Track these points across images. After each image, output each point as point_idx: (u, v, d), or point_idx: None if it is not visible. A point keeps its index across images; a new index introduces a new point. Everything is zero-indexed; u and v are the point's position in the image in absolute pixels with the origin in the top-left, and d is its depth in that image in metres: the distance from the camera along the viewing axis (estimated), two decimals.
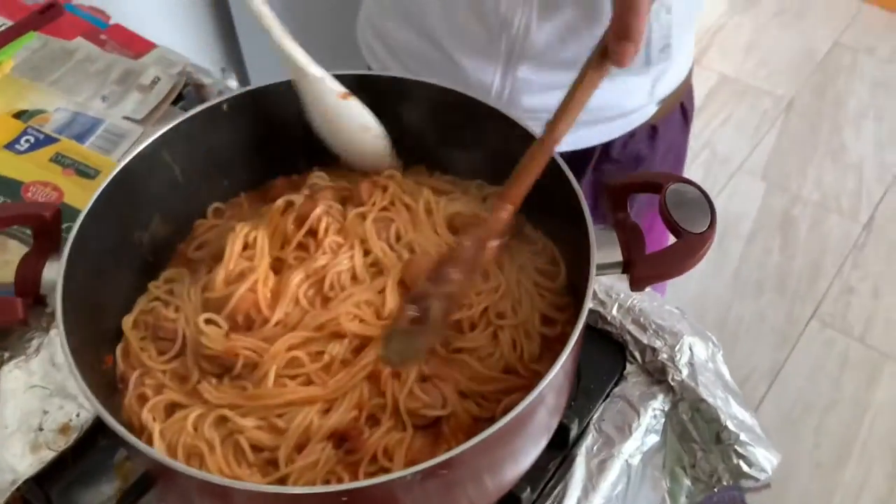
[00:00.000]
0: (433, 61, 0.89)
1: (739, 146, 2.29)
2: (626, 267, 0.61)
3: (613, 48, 0.49)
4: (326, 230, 0.67)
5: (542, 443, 0.64)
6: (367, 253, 0.67)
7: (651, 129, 0.97)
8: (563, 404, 0.64)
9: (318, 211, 0.67)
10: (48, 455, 0.69)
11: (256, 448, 0.60)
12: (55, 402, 0.72)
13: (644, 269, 0.59)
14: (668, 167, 1.04)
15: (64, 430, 0.71)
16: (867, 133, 2.31)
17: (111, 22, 1.03)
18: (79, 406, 0.72)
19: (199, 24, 1.75)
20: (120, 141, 0.88)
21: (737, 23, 2.63)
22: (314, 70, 0.67)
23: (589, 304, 0.56)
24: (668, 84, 0.94)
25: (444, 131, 0.73)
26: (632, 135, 0.96)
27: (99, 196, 0.64)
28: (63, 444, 0.70)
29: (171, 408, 0.64)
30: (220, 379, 0.64)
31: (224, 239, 0.69)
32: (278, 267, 0.68)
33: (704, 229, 0.59)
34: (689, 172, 0.94)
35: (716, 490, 0.75)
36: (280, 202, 0.69)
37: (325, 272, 0.65)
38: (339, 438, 0.60)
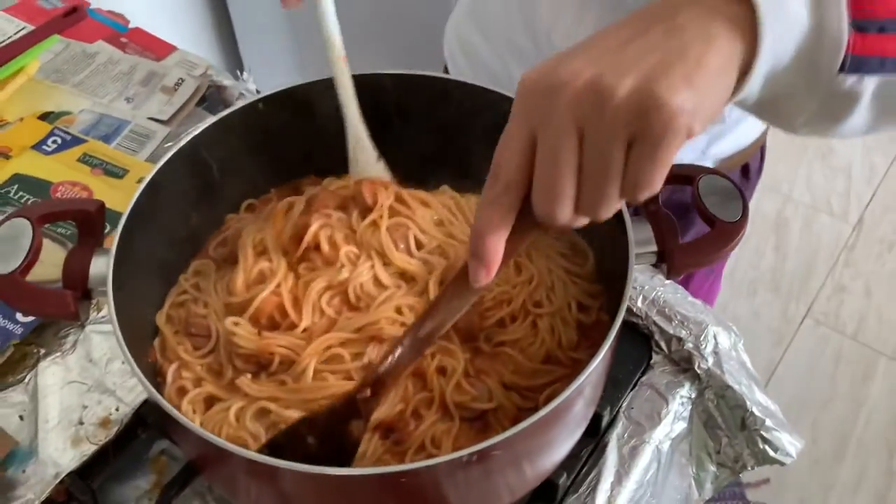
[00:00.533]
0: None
1: None
2: (661, 256, 0.63)
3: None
4: (331, 243, 0.66)
5: (580, 431, 0.66)
6: (387, 264, 0.66)
7: (742, 169, 0.94)
8: (599, 394, 0.66)
9: (313, 228, 0.66)
10: (90, 449, 0.70)
11: None
12: (94, 397, 0.73)
13: (680, 257, 0.61)
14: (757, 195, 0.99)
15: (104, 423, 0.72)
16: None
17: (130, 26, 1.04)
18: (118, 400, 0.73)
19: (197, 26, 1.76)
20: (146, 141, 0.90)
21: None
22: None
23: (629, 295, 0.57)
24: (727, 146, 0.91)
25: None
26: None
27: (142, 191, 0.65)
28: (104, 437, 0.71)
29: (210, 400, 0.65)
30: (256, 375, 0.64)
31: (237, 241, 0.70)
32: (294, 267, 0.68)
33: (738, 218, 0.61)
34: None
35: (740, 475, 0.77)
36: (282, 205, 0.70)
37: (347, 285, 0.65)
38: (386, 429, 0.61)
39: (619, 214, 0.61)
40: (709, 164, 0.92)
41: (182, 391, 0.65)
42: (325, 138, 0.75)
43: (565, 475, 0.68)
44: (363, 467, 0.58)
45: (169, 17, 1.51)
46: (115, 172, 0.87)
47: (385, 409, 0.61)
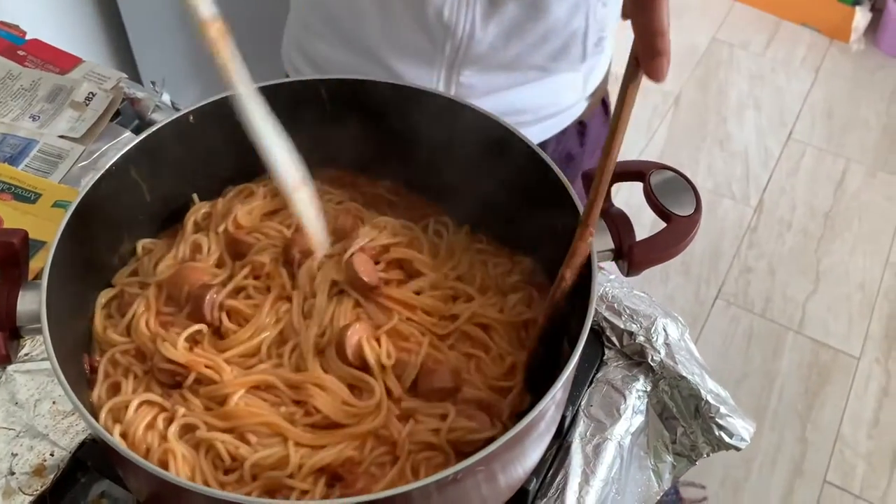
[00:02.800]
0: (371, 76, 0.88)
1: (635, 141, 2.40)
2: (619, 254, 0.63)
3: (648, 66, 0.49)
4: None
5: (549, 436, 0.65)
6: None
7: (579, 126, 1.00)
8: (566, 397, 0.66)
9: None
10: (24, 500, 0.64)
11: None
12: (24, 443, 0.67)
13: (640, 254, 0.62)
14: (594, 163, 1.06)
15: (38, 471, 0.66)
16: (749, 122, 2.47)
17: (27, 37, 0.97)
18: (52, 444, 0.68)
19: (92, 36, 1.67)
20: (59, 162, 0.83)
21: (620, 25, 2.74)
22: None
23: (595, 298, 0.57)
24: (597, 78, 0.98)
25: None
26: (563, 133, 0.99)
27: (69, 219, 0.61)
28: (39, 486, 0.65)
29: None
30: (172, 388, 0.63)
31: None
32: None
33: (692, 212, 0.62)
34: None
35: (696, 463, 0.78)
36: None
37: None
38: (332, 476, 0.58)
39: (576, 217, 0.60)
40: (585, 102, 0.97)
41: (115, 387, 0.63)
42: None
43: (535, 480, 0.67)
44: (338, 499, 0.55)
45: (65, 28, 1.42)
46: (25, 197, 0.80)
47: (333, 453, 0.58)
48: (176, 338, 0.62)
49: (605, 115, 1.05)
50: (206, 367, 0.62)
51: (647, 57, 0.49)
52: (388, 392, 0.61)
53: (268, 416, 0.59)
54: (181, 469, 0.57)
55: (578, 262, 0.59)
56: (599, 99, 1.02)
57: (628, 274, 0.63)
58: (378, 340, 0.62)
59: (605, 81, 1.01)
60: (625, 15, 0.51)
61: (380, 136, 0.72)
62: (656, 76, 0.49)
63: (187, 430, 0.60)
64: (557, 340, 0.61)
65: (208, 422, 0.60)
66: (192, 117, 0.68)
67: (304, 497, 0.57)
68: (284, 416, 0.60)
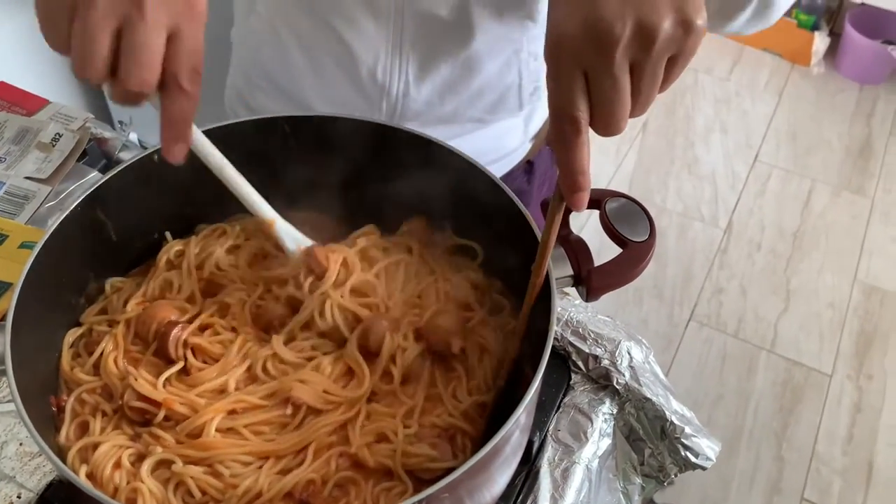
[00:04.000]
0: None
1: (604, 167, 2.43)
2: (578, 280, 0.64)
3: (570, 199, 0.53)
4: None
5: (516, 461, 0.66)
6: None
7: (527, 165, 1.01)
8: (531, 422, 0.67)
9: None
10: None
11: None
12: None
13: (597, 280, 0.63)
14: (542, 196, 1.08)
15: None
16: (716, 145, 2.52)
17: None
18: (19, 486, 0.67)
19: (58, 71, 1.68)
20: (25, 203, 0.84)
21: None
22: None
23: (554, 325, 0.58)
24: (538, 122, 0.98)
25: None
26: (509, 173, 0.99)
27: (35, 260, 0.61)
28: None
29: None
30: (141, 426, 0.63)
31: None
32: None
33: (646, 237, 0.64)
34: None
35: (665, 484, 0.79)
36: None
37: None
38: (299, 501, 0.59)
39: (535, 244, 0.62)
40: (529, 143, 0.99)
41: (83, 426, 0.63)
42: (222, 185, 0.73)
43: None
44: None
45: (33, 68, 1.43)
46: None
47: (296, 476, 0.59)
48: (148, 375, 0.63)
49: (552, 151, 1.06)
50: (182, 404, 0.62)
51: (568, 191, 0.52)
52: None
53: (243, 446, 0.60)
54: None
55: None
56: (543, 139, 1.01)
57: (588, 299, 0.64)
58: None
59: (546, 122, 1.01)
60: (549, 144, 0.54)
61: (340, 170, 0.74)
62: (577, 207, 0.53)
63: (160, 465, 0.60)
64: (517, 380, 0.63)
65: (183, 454, 0.60)
66: (156, 156, 0.69)
67: None
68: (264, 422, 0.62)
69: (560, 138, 0.50)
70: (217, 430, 0.61)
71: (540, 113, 0.98)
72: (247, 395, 0.62)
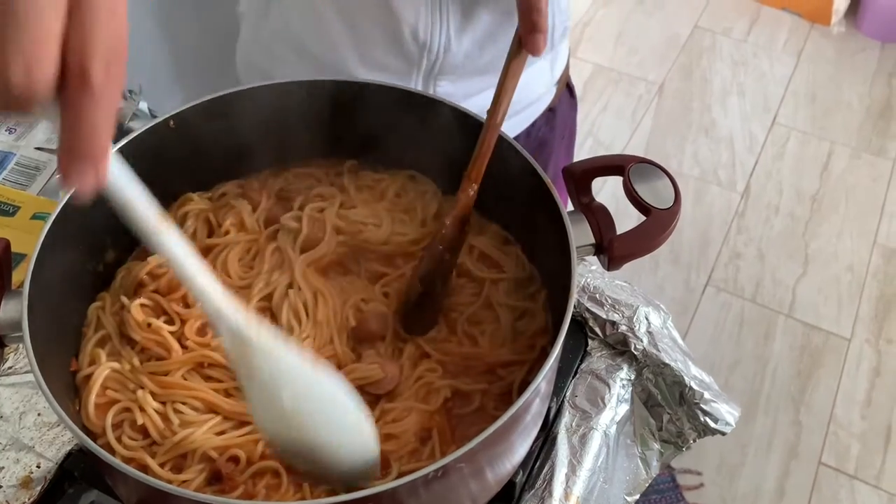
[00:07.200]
0: None
1: (620, 131, 2.40)
2: (600, 248, 0.63)
3: (526, 41, 0.52)
4: None
5: (536, 429, 0.66)
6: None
7: (549, 112, 1.01)
8: (552, 389, 0.66)
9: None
10: None
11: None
12: (10, 456, 0.67)
13: (619, 248, 0.62)
14: (564, 146, 1.08)
15: (25, 483, 0.66)
16: (733, 108, 2.48)
17: None
18: (38, 456, 0.68)
19: None
20: (36, 173, 0.83)
21: (602, 15, 2.75)
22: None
23: (575, 291, 0.57)
24: (562, 64, 0.99)
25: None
26: (533, 125, 0.99)
27: (49, 230, 0.61)
28: (27, 498, 0.65)
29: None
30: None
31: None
32: None
33: (671, 204, 0.62)
34: (577, 159, 0.99)
35: (683, 450, 0.79)
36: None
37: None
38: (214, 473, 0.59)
39: (555, 212, 0.61)
40: (554, 88, 0.99)
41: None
42: (237, 148, 0.73)
43: (522, 473, 0.67)
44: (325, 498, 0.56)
45: None
46: (4, 210, 0.80)
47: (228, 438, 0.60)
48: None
49: (571, 97, 1.06)
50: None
51: (525, 32, 0.51)
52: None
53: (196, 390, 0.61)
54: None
55: (458, 212, 0.65)
56: (564, 84, 1.02)
57: (609, 268, 0.63)
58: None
59: (567, 65, 1.02)
60: None
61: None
62: (533, 50, 0.52)
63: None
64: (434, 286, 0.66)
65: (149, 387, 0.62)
66: (171, 122, 0.68)
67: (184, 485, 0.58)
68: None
69: None
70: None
71: (563, 55, 0.97)
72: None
